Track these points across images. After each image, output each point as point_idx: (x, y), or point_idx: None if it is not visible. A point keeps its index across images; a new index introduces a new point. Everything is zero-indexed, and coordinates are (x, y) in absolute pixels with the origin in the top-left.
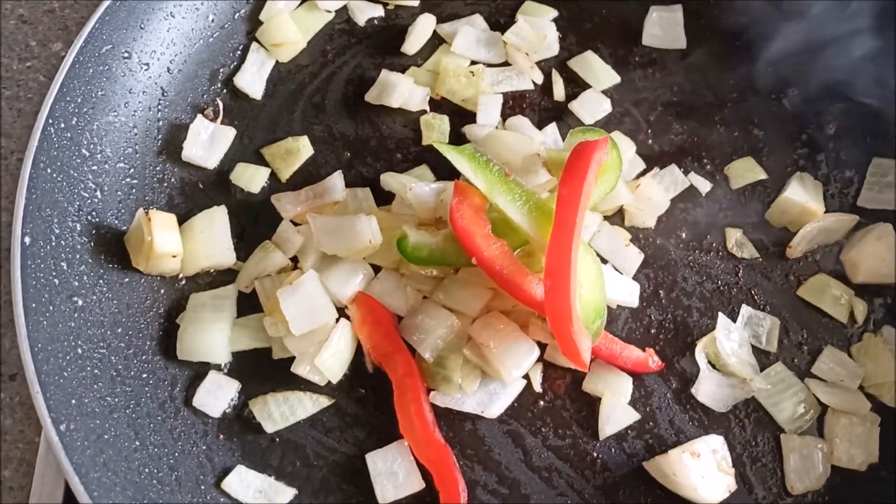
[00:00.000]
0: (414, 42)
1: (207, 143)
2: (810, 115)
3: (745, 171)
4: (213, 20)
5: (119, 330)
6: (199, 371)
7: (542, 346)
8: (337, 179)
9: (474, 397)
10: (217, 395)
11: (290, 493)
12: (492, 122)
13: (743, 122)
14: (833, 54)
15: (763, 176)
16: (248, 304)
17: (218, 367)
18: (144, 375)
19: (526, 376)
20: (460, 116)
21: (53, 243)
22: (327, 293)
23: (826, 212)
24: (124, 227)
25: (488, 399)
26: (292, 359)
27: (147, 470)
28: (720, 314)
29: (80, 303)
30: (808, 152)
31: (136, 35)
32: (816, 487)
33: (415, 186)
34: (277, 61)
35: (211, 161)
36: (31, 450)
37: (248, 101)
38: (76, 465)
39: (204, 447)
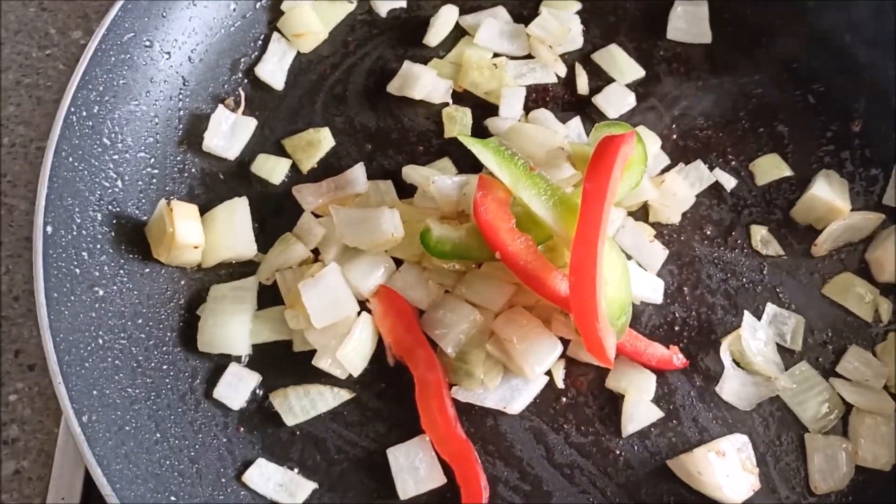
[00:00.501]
0: (436, 33)
1: (228, 133)
2: (836, 111)
3: (771, 168)
4: (234, 10)
5: (139, 321)
6: (220, 363)
7: (566, 342)
8: (359, 171)
9: (496, 393)
10: (238, 388)
11: (311, 486)
12: (515, 116)
13: (768, 118)
14: (858, 51)
15: (788, 173)
16: (269, 297)
17: (238, 360)
18: (165, 367)
19: (548, 372)
20: (483, 109)
21: (75, 233)
22: (349, 286)
23: (851, 210)
24: (145, 217)
25: (510, 395)
26: (313, 352)
27: (168, 462)
28: (745, 312)
29: (101, 293)
30: (833, 149)
31: (158, 24)
32: (840, 487)
33: (437, 179)
34: (299, 52)
35: (232, 152)
36: (50, 440)
37: (269, 92)
38: (98, 457)
39: (224, 440)
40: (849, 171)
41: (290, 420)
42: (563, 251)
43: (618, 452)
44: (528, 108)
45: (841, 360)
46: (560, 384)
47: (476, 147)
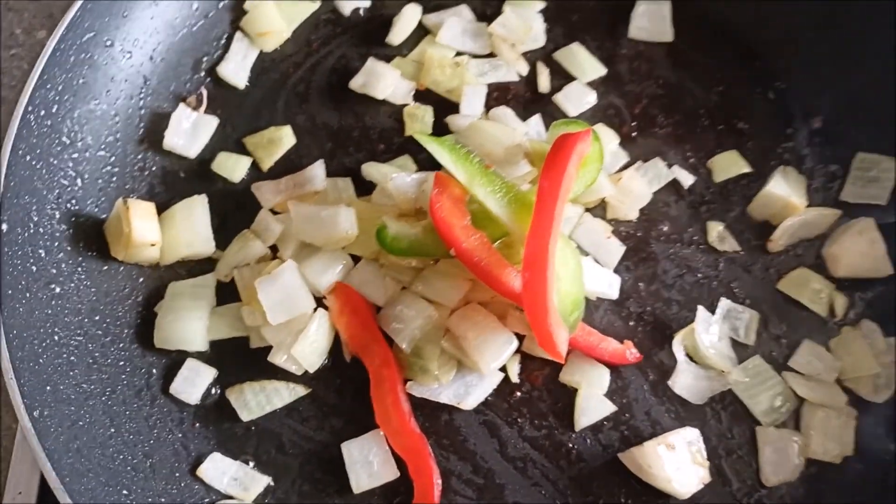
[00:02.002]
0: (399, 32)
1: (189, 132)
2: (796, 109)
3: (729, 165)
4: (196, 9)
5: (97, 318)
6: (177, 360)
7: (521, 338)
8: (318, 169)
9: (451, 388)
10: (194, 382)
11: (265, 480)
12: (475, 113)
13: (728, 115)
14: (819, 48)
15: (747, 169)
16: (228, 294)
17: (195, 356)
18: (121, 363)
19: (503, 368)
20: (445, 107)
21: (31, 230)
22: (306, 283)
23: (810, 206)
24: (104, 216)
25: (464, 391)
26: (270, 348)
27: (121, 457)
28: (699, 307)
29: (58, 290)
30: (793, 146)
31: (119, 23)
32: (791, 479)
33: (395, 177)
34: (262, 51)
35: (192, 150)
36: (9, 435)
37: (231, 91)
38: (48, 451)
39: (180, 435)
40: (808, 167)
41: (245, 415)
42: (518, 248)
43: (570, 446)
44: (489, 106)
45: (794, 354)
46: (515, 379)
47: (431, 145)
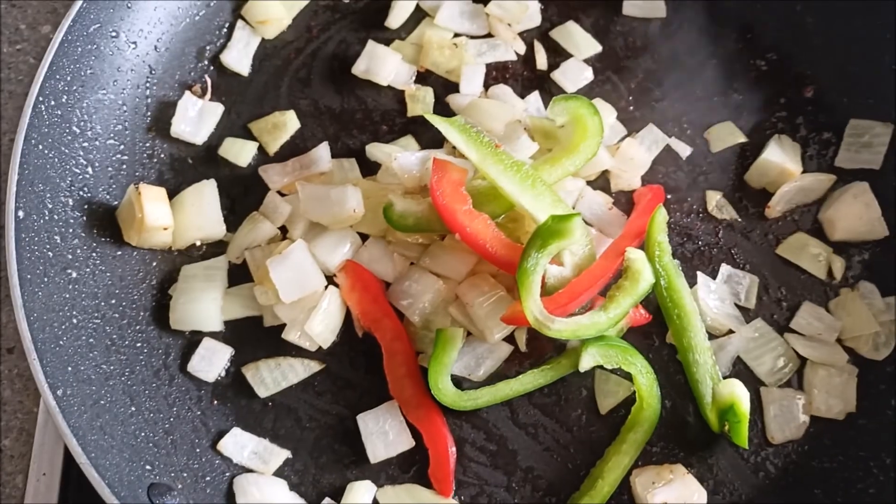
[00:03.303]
0: (397, 16)
1: (196, 119)
2: (789, 78)
3: (725, 135)
4: None
5: (113, 301)
6: (193, 340)
7: None
8: (323, 150)
9: (461, 360)
10: (212, 361)
11: (284, 454)
12: (475, 92)
13: (722, 87)
14: (810, 18)
15: (743, 139)
16: (240, 275)
17: (211, 335)
18: (139, 345)
19: (513, 338)
20: (445, 88)
21: (47, 217)
22: (316, 261)
23: (804, 172)
24: (115, 202)
25: (475, 362)
26: (283, 326)
27: (143, 434)
28: (699, 273)
29: (74, 275)
30: (786, 115)
31: (124, 14)
32: (797, 437)
33: (399, 156)
34: (263, 38)
35: (199, 136)
36: (31, 419)
37: (235, 78)
38: (73, 428)
39: (199, 412)
40: (802, 135)
41: (262, 392)
42: (524, 221)
43: (579, 411)
44: (488, 86)
45: (795, 316)
46: (523, 348)
47: (443, 125)
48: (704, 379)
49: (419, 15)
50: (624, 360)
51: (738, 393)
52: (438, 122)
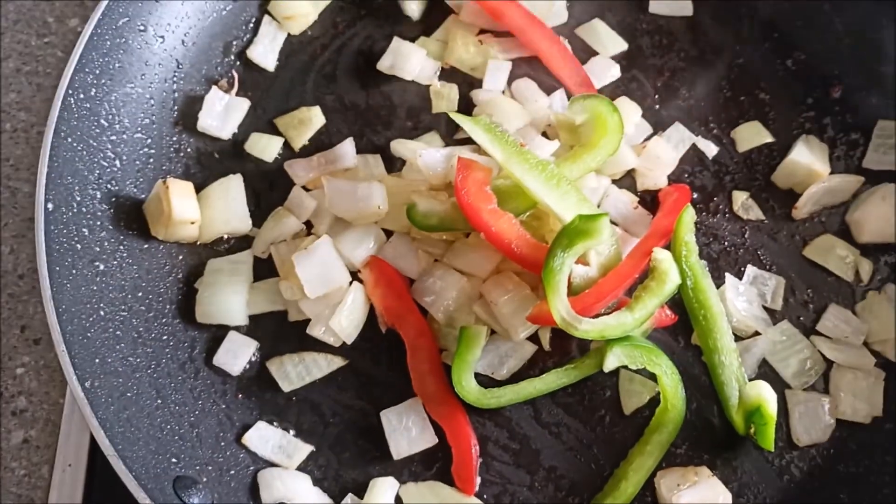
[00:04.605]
0: (410, 5)
1: (222, 113)
2: (816, 78)
3: (752, 135)
4: None
5: (139, 294)
6: (218, 334)
7: None
8: (348, 146)
9: (485, 359)
10: (237, 354)
11: (308, 449)
12: (498, 88)
13: (749, 86)
14: (838, 17)
15: (769, 139)
16: (265, 269)
17: (237, 329)
18: (165, 337)
19: (536, 337)
20: (469, 85)
21: (75, 210)
22: (341, 257)
23: (831, 173)
24: (143, 196)
25: (498, 361)
26: (308, 321)
27: (169, 427)
28: (727, 274)
29: (102, 267)
30: (814, 115)
31: (152, 8)
32: (822, 440)
33: (424, 153)
34: (289, 34)
35: (226, 131)
36: (57, 410)
37: (261, 73)
38: (101, 420)
39: (223, 405)
40: (830, 136)
41: (286, 386)
42: (548, 219)
43: (603, 412)
44: (512, 81)
45: (821, 318)
46: (547, 346)
47: (467, 124)
48: (730, 381)
49: (445, 11)
50: (649, 361)
51: (766, 395)
52: (463, 121)
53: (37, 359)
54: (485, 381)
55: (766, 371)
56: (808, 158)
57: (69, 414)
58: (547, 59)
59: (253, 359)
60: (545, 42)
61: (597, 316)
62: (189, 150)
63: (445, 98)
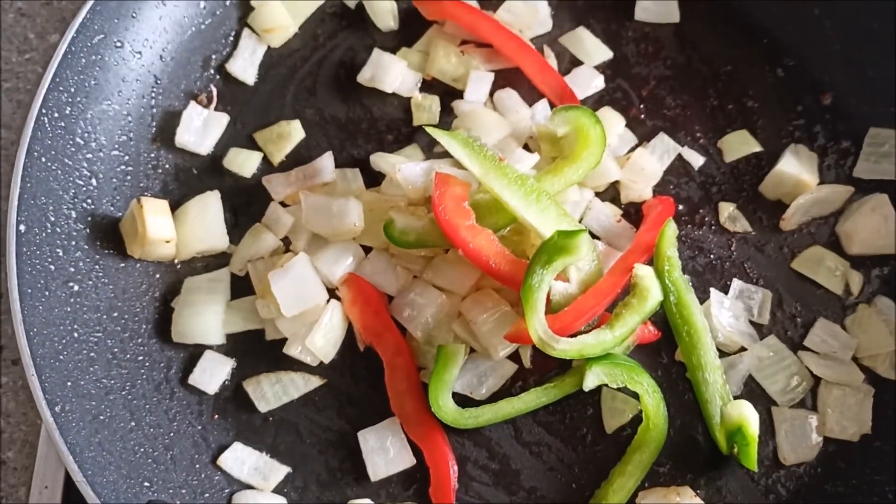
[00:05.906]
0: (378, 14)
1: (201, 129)
2: (806, 85)
3: (740, 145)
4: (204, 7)
5: (115, 314)
6: (194, 353)
7: None
8: (327, 160)
9: (464, 378)
10: (213, 373)
11: (284, 470)
12: (480, 99)
13: (737, 94)
14: (828, 24)
15: (758, 148)
16: (243, 287)
17: (212, 349)
18: (140, 358)
19: (516, 354)
20: (451, 96)
21: (49, 230)
22: (318, 275)
23: (822, 183)
24: (119, 214)
25: (477, 381)
26: (285, 340)
27: (143, 449)
28: (712, 289)
29: (76, 288)
30: (804, 123)
31: (128, 24)
32: (809, 458)
33: (403, 167)
34: (269, 46)
35: (204, 147)
36: (34, 431)
37: (240, 87)
38: (71, 445)
39: (199, 427)
40: (820, 144)
41: (262, 406)
42: (528, 234)
43: (585, 430)
44: (494, 91)
45: (809, 333)
46: (528, 364)
47: (444, 139)
48: (714, 398)
49: (426, 22)
50: (630, 379)
51: (747, 415)
52: (440, 136)
53: (15, 379)
54: (464, 400)
55: (752, 388)
56: (796, 169)
57: (46, 435)
58: (526, 71)
59: (229, 378)
60: (522, 55)
61: (577, 333)
62: (167, 166)
63: (426, 110)
